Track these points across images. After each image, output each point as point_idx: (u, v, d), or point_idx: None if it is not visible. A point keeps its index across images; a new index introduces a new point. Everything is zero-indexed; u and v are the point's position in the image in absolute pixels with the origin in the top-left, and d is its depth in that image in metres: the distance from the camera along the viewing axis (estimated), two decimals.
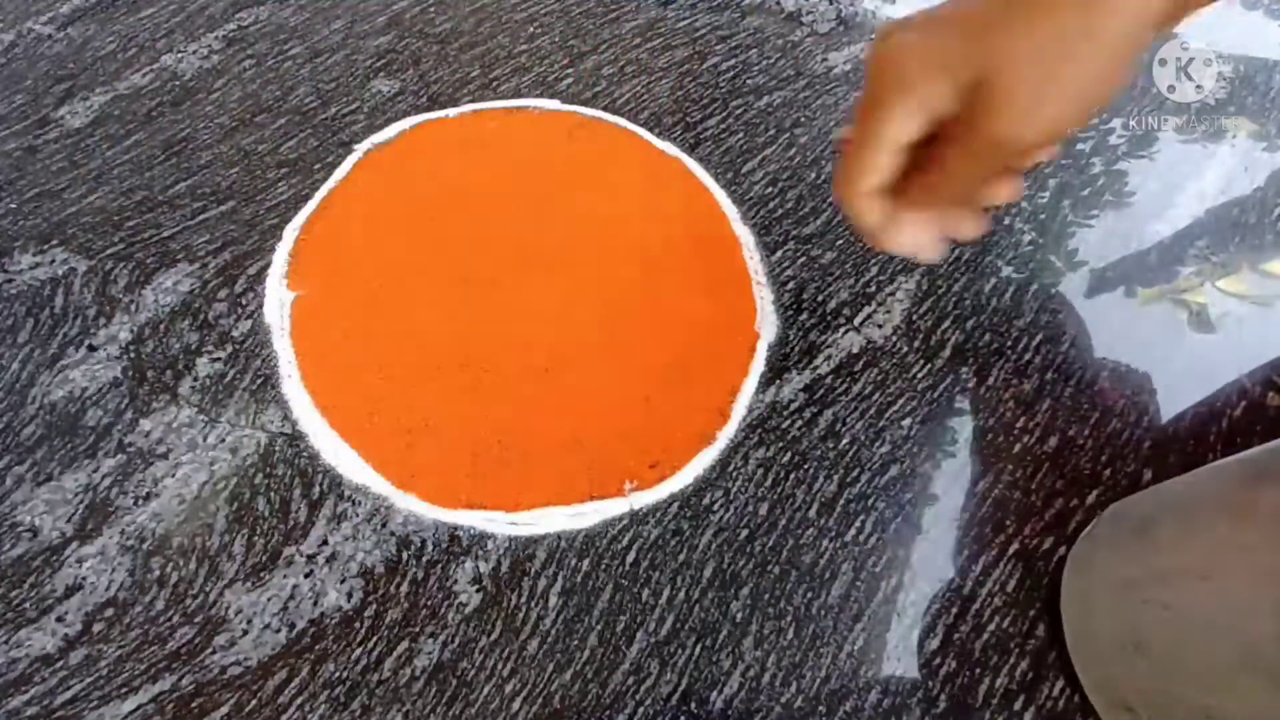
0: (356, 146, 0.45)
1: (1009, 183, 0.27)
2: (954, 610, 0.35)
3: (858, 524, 0.36)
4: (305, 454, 0.36)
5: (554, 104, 0.47)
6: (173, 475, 0.35)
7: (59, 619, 0.32)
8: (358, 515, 0.35)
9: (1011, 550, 0.36)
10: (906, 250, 0.28)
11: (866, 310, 0.42)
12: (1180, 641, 0.29)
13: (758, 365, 0.40)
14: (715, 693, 0.33)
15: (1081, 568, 0.34)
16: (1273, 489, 0.27)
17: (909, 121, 0.26)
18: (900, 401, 0.39)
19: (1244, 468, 0.30)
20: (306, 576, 0.33)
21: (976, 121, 0.25)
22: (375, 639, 0.32)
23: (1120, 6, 0.24)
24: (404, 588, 0.34)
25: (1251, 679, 0.26)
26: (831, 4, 0.53)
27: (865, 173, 0.27)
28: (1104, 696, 0.32)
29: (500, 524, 0.35)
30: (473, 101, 0.47)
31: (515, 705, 0.32)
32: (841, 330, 0.41)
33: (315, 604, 0.33)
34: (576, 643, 0.33)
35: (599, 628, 0.33)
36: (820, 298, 0.42)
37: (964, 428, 0.39)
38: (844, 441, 0.38)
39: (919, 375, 0.40)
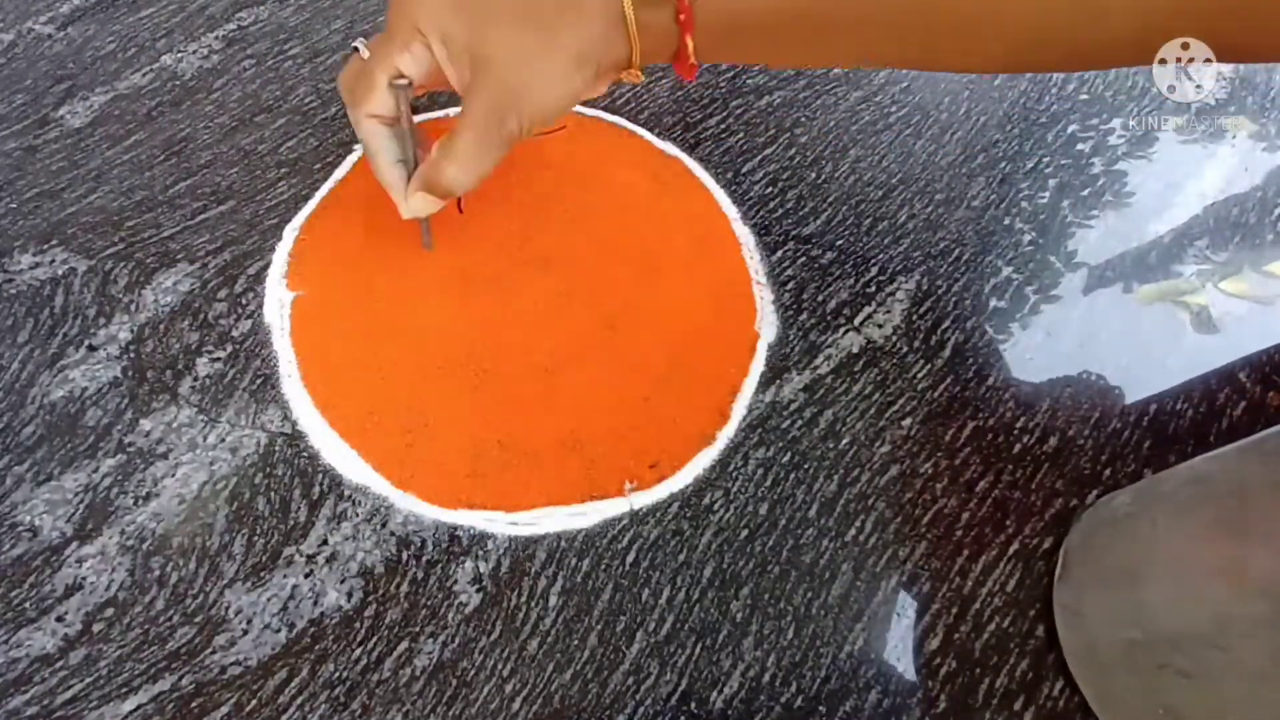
0: (356, 146, 0.45)
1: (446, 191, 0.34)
2: (954, 610, 0.35)
3: (858, 524, 0.36)
4: (305, 454, 0.36)
5: None
6: (173, 475, 0.35)
7: (59, 619, 0.32)
8: (358, 515, 0.35)
9: (1011, 550, 0.36)
10: (403, 198, 0.36)
11: (866, 310, 0.42)
12: (1217, 710, 0.28)
13: (758, 365, 0.40)
14: (715, 693, 0.33)
15: (1074, 621, 0.33)
16: (1257, 551, 0.26)
17: (409, 61, 0.32)
18: (900, 401, 0.39)
19: (1221, 521, 0.28)
20: (306, 576, 0.33)
21: (466, 92, 0.32)
22: (375, 639, 0.32)
23: (576, 30, 0.31)
24: (404, 588, 0.34)
25: None
26: None
27: (369, 91, 0.33)
28: None
29: (500, 524, 0.35)
30: None
31: (515, 705, 0.32)
32: (841, 330, 0.41)
33: (315, 604, 0.33)
34: (576, 643, 0.33)
35: (599, 628, 0.33)
36: (820, 298, 0.42)
37: (964, 428, 0.39)
38: (844, 441, 0.38)
39: (919, 375, 0.40)
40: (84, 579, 0.33)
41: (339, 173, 0.44)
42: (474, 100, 0.31)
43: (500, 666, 0.32)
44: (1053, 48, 0.31)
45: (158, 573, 0.33)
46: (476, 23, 0.31)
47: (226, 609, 0.33)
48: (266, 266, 0.41)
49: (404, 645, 0.32)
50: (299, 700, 0.31)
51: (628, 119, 0.47)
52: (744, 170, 0.46)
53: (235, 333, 0.39)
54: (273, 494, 0.35)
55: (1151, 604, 0.30)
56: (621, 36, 0.32)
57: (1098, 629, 0.32)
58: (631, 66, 0.33)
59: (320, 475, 0.35)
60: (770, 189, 0.46)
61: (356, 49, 0.33)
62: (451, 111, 0.47)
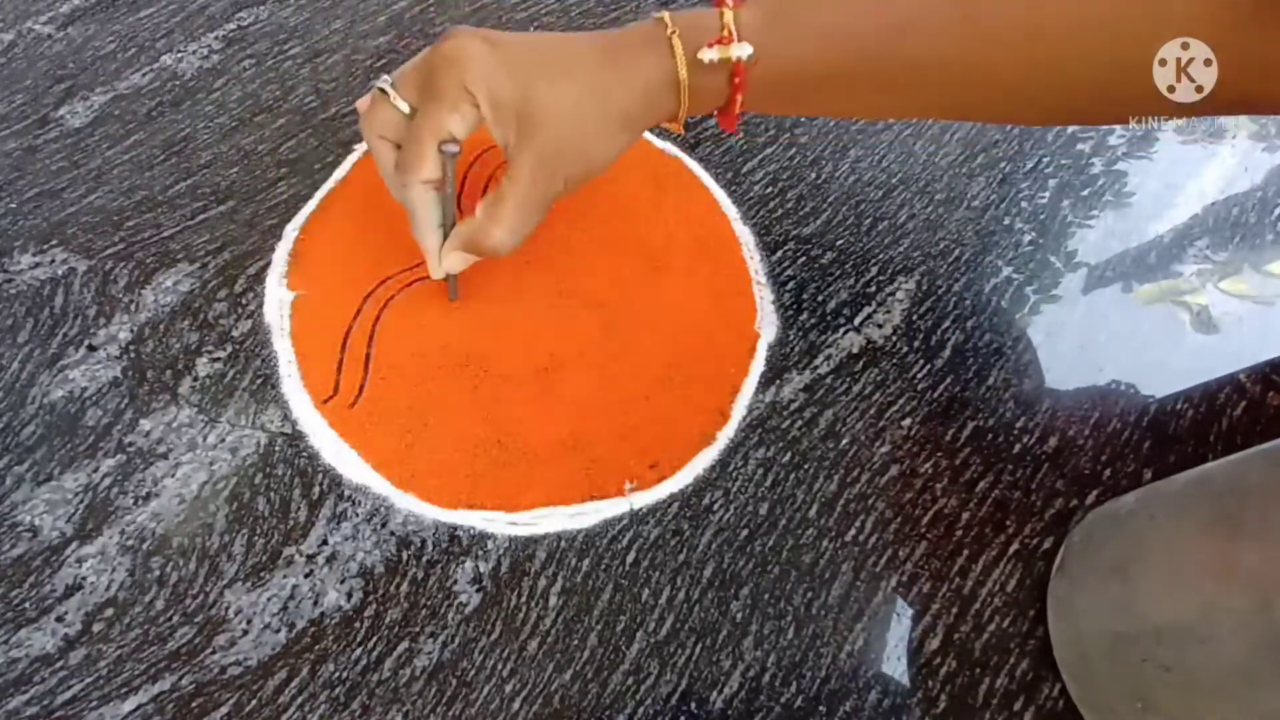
0: (356, 146, 0.45)
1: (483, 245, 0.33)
2: (954, 610, 0.35)
3: (858, 524, 0.36)
4: (305, 454, 0.36)
5: None
6: (173, 475, 0.35)
7: (59, 619, 0.32)
8: (358, 515, 0.35)
9: (1011, 550, 0.36)
10: (442, 258, 0.35)
11: (866, 310, 0.42)
12: (1192, 705, 0.28)
13: (758, 365, 0.40)
14: (715, 693, 0.33)
15: (1065, 613, 0.33)
16: (1250, 547, 0.26)
17: (458, 123, 0.31)
18: (900, 401, 0.39)
19: (1219, 518, 0.29)
20: (306, 576, 0.33)
21: (513, 152, 0.31)
22: (375, 639, 0.32)
23: (626, 90, 0.31)
24: (404, 588, 0.34)
25: None
26: None
27: (420, 159, 0.31)
28: None
29: (500, 524, 0.35)
30: None
31: (515, 705, 0.32)
32: (841, 330, 0.41)
33: (315, 604, 0.33)
34: (576, 643, 0.33)
35: (599, 628, 0.33)
36: (820, 298, 0.42)
37: (964, 428, 0.39)
38: (844, 441, 0.38)
39: (919, 375, 0.40)
40: (84, 579, 0.33)
41: (339, 173, 0.44)
42: (520, 161, 0.31)
43: (500, 666, 0.32)
44: (1103, 107, 0.33)
45: (158, 573, 0.33)
46: (526, 82, 0.30)
47: (226, 609, 0.33)
48: (266, 266, 0.41)
49: (404, 645, 0.33)
50: (299, 700, 0.31)
51: None
52: (744, 170, 0.46)
53: (235, 333, 0.39)
54: (273, 494, 0.35)
55: (1141, 597, 0.30)
56: (672, 96, 0.32)
57: (1086, 621, 0.32)
58: (676, 120, 0.33)
59: (320, 475, 0.35)
60: (770, 189, 0.46)
61: (383, 90, 0.32)
62: None
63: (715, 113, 0.34)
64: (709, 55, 0.30)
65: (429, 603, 0.33)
